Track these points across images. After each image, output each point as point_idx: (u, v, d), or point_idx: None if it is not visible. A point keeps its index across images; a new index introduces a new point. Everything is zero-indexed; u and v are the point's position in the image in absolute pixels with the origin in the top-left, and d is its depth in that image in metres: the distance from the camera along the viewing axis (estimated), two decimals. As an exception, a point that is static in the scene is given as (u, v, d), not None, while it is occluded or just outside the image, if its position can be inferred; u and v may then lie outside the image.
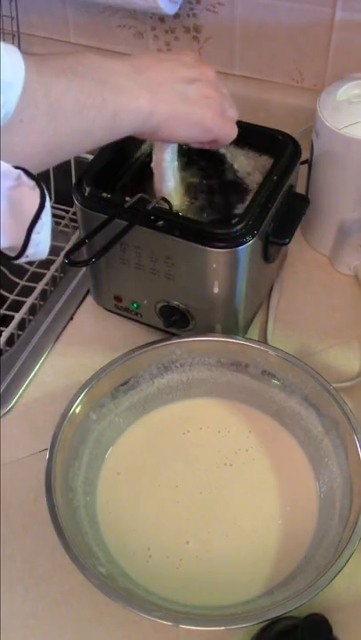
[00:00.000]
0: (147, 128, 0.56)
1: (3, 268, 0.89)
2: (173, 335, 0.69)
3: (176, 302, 0.70)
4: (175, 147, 0.65)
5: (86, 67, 0.52)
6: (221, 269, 0.65)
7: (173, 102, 0.56)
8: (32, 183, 0.45)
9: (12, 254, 0.47)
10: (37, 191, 0.46)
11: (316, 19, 0.87)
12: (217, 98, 0.60)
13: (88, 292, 0.81)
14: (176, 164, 0.67)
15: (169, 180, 0.67)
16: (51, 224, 0.47)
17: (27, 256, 0.47)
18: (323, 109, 0.72)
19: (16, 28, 0.92)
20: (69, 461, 0.61)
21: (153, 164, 0.66)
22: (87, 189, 0.66)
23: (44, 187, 0.46)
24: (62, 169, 0.92)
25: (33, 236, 0.46)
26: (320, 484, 0.63)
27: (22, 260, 0.47)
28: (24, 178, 0.45)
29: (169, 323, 0.72)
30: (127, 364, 0.65)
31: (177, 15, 0.93)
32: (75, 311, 0.81)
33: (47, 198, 0.46)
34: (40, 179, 0.46)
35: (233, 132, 0.62)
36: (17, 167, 0.45)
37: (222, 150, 0.73)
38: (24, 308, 0.82)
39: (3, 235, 0.46)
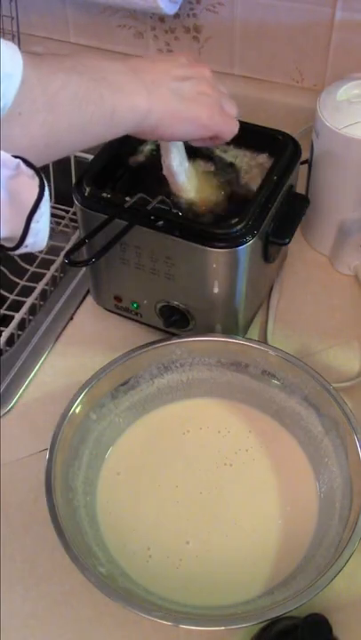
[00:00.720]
0: (146, 127, 0.56)
1: (3, 268, 0.89)
2: (173, 335, 0.69)
3: (176, 302, 0.70)
4: (182, 149, 0.65)
5: (84, 65, 0.53)
6: (221, 269, 0.65)
7: (169, 100, 0.57)
8: (31, 172, 0.46)
9: (10, 245, 0.47)
10: (36, 180, 0.46)
11: (316, 19, 0.87)
12: (213, 94, 0.60)
13: (88, 292, 0.81)
14: (187, 164, 0.66)
15: (183, 182, 0.66)
16: (49, 214, 0.47)
17: (26, 246, 0.47)
18: (323, 109, 0.72)
19: (16, 28, 0.92)
20: (69, 461, 0.61)
21: (164, 171, 0.66)
22: (87, 189, 0.66)
23: (42, 176, 0.46)
24: (62, 169, 0.92)
25: (32, 225, 0.46)
26: (320, 484, 0.63)
27: (21, 251, 0.47)
28: (23, 167, 0.45)
29: (169, 323, 0.72)
30: (127, 364, 0.65)
31: (177, 15, 0.93)
32: (75, 311, 0.81)
33: (46, 187, 0.46)
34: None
35: (234, 128, 0.62)
36: (16, 156, 0.45)
37: (218, 152, 0.73)
38: (24, 308, 0.82)
39: (2, 224, 0.46)
